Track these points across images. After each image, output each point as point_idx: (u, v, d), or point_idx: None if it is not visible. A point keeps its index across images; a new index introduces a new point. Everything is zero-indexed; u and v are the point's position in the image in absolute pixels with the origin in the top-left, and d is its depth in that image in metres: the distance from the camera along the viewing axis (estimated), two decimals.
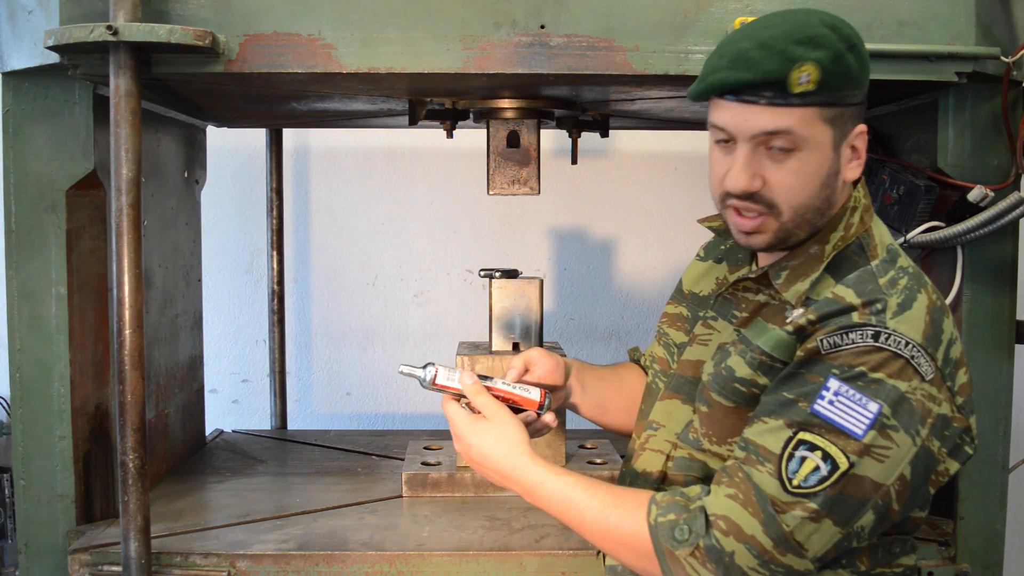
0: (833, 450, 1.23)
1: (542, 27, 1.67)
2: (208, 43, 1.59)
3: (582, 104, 2.20)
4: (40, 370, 1.85)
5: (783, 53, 1.25)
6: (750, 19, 1.52)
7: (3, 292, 1.88)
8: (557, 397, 1.66)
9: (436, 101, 2.15)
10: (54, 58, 1.67)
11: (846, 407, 1.23)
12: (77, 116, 1.81)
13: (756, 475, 1.26)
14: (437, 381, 1.55)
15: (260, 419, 3.24)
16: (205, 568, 1.75)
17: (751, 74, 1.26)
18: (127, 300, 1.60)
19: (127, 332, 1.61)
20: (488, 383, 1.55)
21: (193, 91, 1.98)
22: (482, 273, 2.27)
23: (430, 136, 2.78)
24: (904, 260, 1.37)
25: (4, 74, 1.83)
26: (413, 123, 2.14)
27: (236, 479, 2.29)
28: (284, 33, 1.65)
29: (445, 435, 1.56)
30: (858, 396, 1.23)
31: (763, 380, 1.34)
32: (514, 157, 2.15)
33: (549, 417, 1.58)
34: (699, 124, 2.61)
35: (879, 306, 1.27)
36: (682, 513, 1.28)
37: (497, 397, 1.54)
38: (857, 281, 1.31)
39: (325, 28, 1.66)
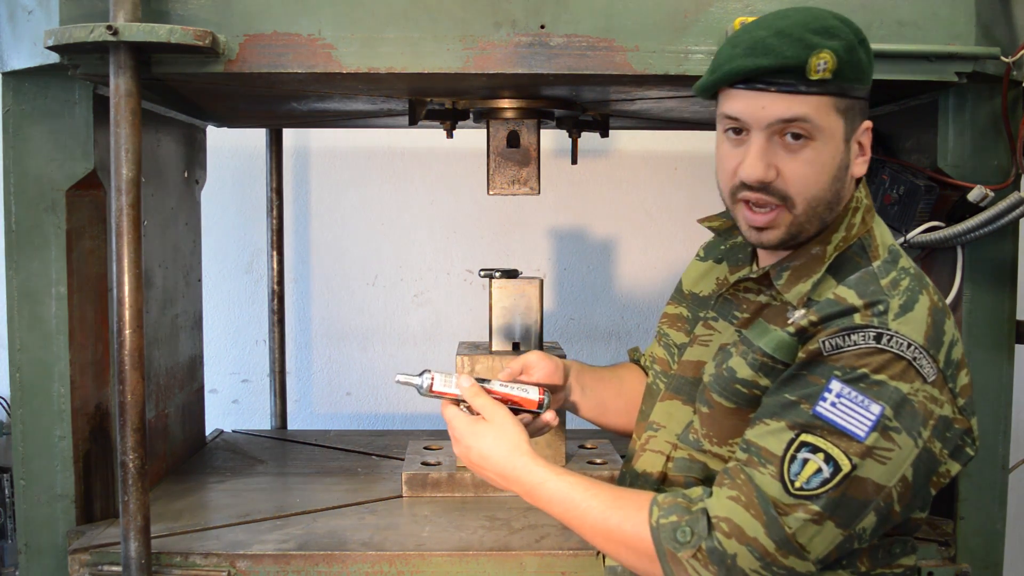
0: (835, 452, 1.23)
1: (542, 27, 1.67)
2: (208, 43, 1.59)
3: (582, 104, 2.20)
4: (40, 370, 1.85)
5: (801, 40, 1.26)
6: (750, 19, 1.52)
7: (3, 292, 1.88)
8: (556, 399, 1.66)
9: (436, 101, 2.15)
10: (54, 58, 1.67)
11: (848, 409, 1.23)
12: (77, 116, 1.81)
13: (758, 477, 1.26)
14: (434, 388, 1.55)
15: (260, 419, 3.24)
16: (205, 568, 1.74)
17: (769, 60, 1.26)
18: (127, 300, 1.60)
19: (127, 332, 1.61)
20: (486, 385, 1.55)
21: (193, 91, 1.98)
22: (482, 273, 2.27)
23: (430, 136, 2.78)
24: (905, 261, 1.37)
25: (4, 74, 1.83)
26: (413, 123, 2.14)
27: (236, 479, 2.29)
28: (284, 33, 1.65)
29: (445, 435, 1.56)
30: (860, 398, 1.23)
31: (764, 381, 1.34)
32: (514, 157, 2.14)
33: (549, 415, 1.58)
34: (699, 124, 2.62)
35: (881, 307, 1.27)
36: (684, 515, 1.28)
37: (495, 398, 1.54)
38: (859, 282, 1.31)
39: (325, 28, 1.66)
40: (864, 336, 1.25)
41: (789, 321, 1.33)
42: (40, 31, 1.66)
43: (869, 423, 1.23)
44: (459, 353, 2.21)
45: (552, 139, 3.12)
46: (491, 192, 2.16)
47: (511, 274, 2.25)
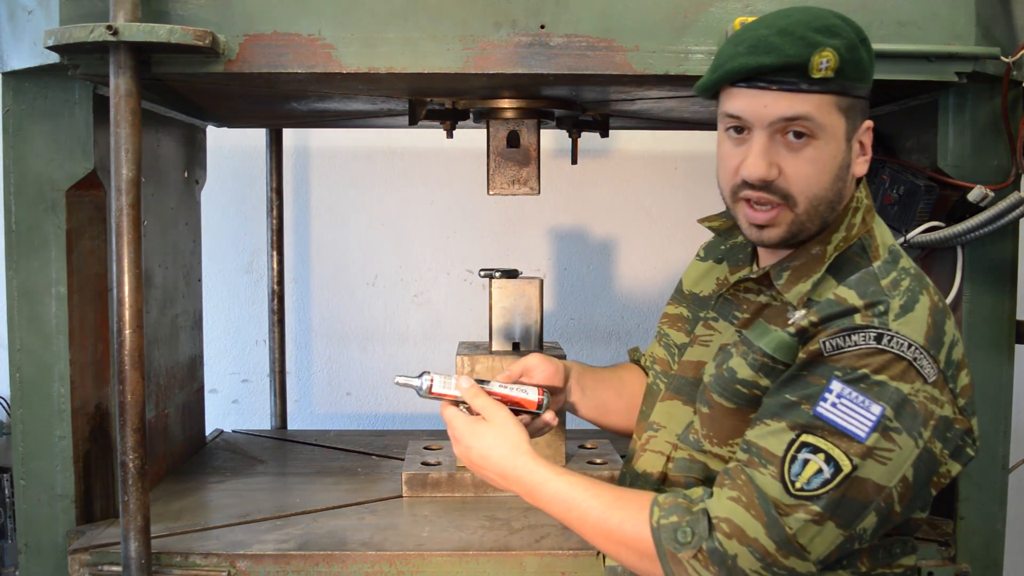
0: (836, 452, 1.23)
1: (542, 27, 1.67)
2: (208, 43, 1.59)
3: (582, 104, 2.20)
4: (40, 370, 1.85)
5: (804, 39, 1.26)
6: (750, 19, 1.53)
7: (3, 292, 1.88)
8: (556, 400, 1.66)
9: (436, 101, 2.15)
10: (54, 58, 1.67)
11: (849, 409, 1.23)
12: (77, 116, 1.81)
13: (759, 478, 1.25)
14: (434, 390, 1.54)
15: (260, 419, 3.24)
16: (205, 568, 1.74)
17: (772, 58, 1.26)
18: (127, 300, 1.60)
19: (127, 332, 1.61)
20: (485, 386, 1.55)
21: (193, 91, 1.98)
22: (482, 273, 2.27)
23: (430, 136, 2.78)
24: (906, 261, 1.36)
25: (4, 74, 1.83)
26: (413, 123, 2.14)
27: (236, 479, 2.29)
28: (284, 33, 1.65)
29: (445, 435, 1.56)
30: (861, 398, 1.23)
31: (765, 382, 1.34)
32: (514, 157, 2.14)
33: (548, 415, 1.58)
34: (699, 124, 2.62)
35: (881, 308, 1.27)
36: (685, 515, 1.28)
37: (494, 399, 1.54)
38: (859, 282, 1.31)
39: (325, 28, 1.66)
40: (865, 336, 1.25)
41: (789, 321, 1.33)
42: (40, 31, 1.66)
43: (870, 424, 1.23)
44: (459, 353, 2.21)
45: (552, 139, 3.12)
46: (491, 192, 2.15)
47: (511, 274, 2.25)
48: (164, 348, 2.27)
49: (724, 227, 1.60)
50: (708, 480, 1.40)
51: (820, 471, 1.23)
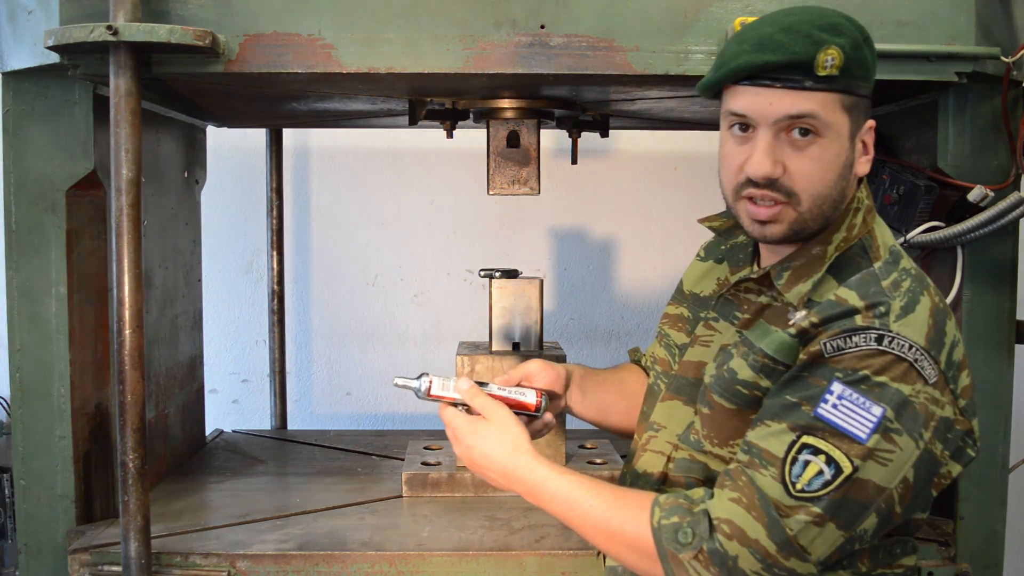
0: (837, 454, 1.22)
1: (542, 27, 1.67)
2: (208, 43, 1.59)
3: (582, 104, 2.20)
4: (40, 370, 1.85)
5: (809, 36, 1.26)
6: (750, 19, 1.53)
7: (3, 292, 1.88)
8: (556, 405, 1.65)
9: (436, 101, 2.15)
10: (54, 58, 1.67)
11: (850, 411, 1.23)
12: (77, 116, 1.81)
13: (759, 479, 1.25)
14: (432, 392, 1.54)
15: (260, 419, 3.24)
16: (205, 568, 1.75)
17: (777, 56, 1.26)
18: (127, 300, 1.60)
19: (127, 332, 1.61)
20: (483, 389, 1.55)
21: (193, 91, 1.98)
22: (482, 273, 2.27)
23: (430, 136, 2.78)
24: (907, 262, 1.36)
25: (4, 74, 1.83)
26: (413, 123, 2.14)
27: (236, 479, 2.29)
28: (284, 33, 1.65)
29: (445, 435, 1.55)
30: (862, 400, 1.23)
31: (765, 383, 1.34)
32: (514, 157, 2.14)
33: (547, 417, 1.58)
34: (699, 124, 2.62)
35: (882, 309, 1.27)
36: (685, 516, 1.28)
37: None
38: (860, 283, 1.31)
39: (325, 28, 1.66)
40: (865, 338, 1.25)
41: (790, 322, 1.33)
42: (40, 31, 1.66)
43: (870, 425, 1.22)
44: (459, 353, 2.21)
45: (552, 139, 3.12)
46: (491, 192, 2.15)
47: (511, 274, 2.25)
48: (164, 348, 2.27)
49: (724, 227, 1.60)
50: (708, 480, 1.40)
51: (821, 472, 1.23)
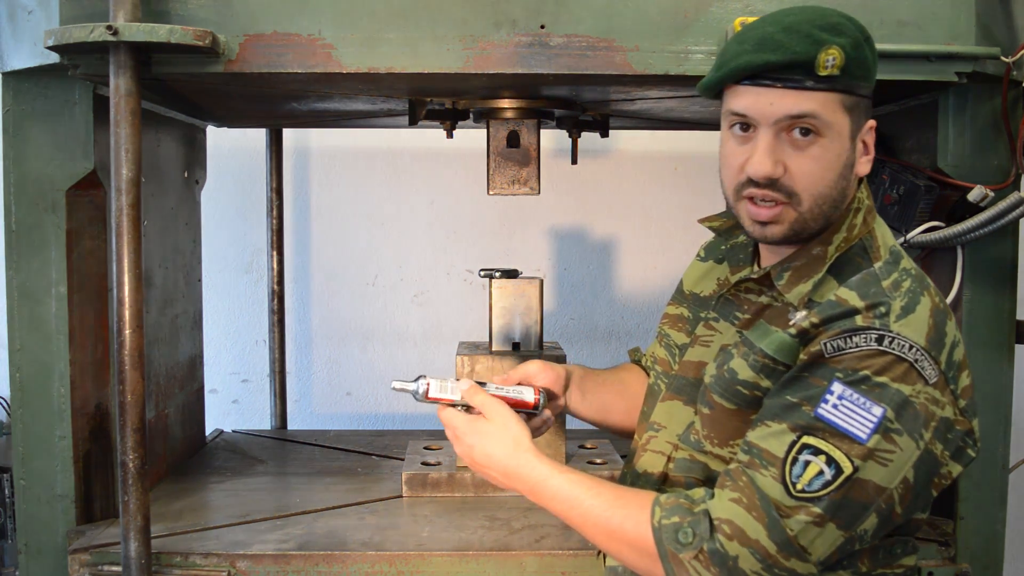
0: (837, 454, 1.22)
1: (542, 27, 1.67)
2: (208, 43, 1.59)
3: (582, 104, 2.20)
4: (40, 370, 1.85)
5: (810, 36, 1.26)
6: (750, 19, 1.53)
7: (3, 292, 1.88)
8: (556, 406, 1.65)
9: (436, 101, 2.15)
10: (54, 58, 1.67)
11: (850, 411, 1.23)
12: (77, 116, 1.81)
13: (760, 479, 1.25)
14: (431, 394, 1.54)
15: (260, 419, 3.24)
16: (205, 568, 1.75)
17: (778, 56, 1.26)
18: (127, 300, 1.60)
19: (127, 332, 1.61)
20: (481, 388, 1.55)
21: (193, 91, 1.98)
22: (482, 273, 2.27)
23: (430, 136, 2.78)
24: (907, 262, 1.36)
25: (4, 74, 1.83)
26: (413, 123, 2.14)
27: (236, 479, 2.29)
28: (284, 33, 1.65)
29: (445, 435, 1.56)
30: (862, 400, 1.23)
31: (766, 383, 1.34)
32: (514, 157, 2.14)
33: (547, 413, 1.59)
34: (699, 124, 2.62)
35: (883, 309, 1.27)
36: (686, 516, 1.28)
37: None
38: (860, 283, 1.31)
39: (325, 28, 1.66)
40: (866, 338, 1.25)
41: (791, 322, 1.33)
42: (40, 31, 1.66)
43: (871, 425, 1.22)
44: (459, 353, 2.21)
45: (552, 139, 3.12)
46: (491, 192, 2.15)
47: (511, 274, 2.25)
48: (164, 348, 2.27)
49: (725, 227, 1.60)
50: (709, 480, 1.40)
51: (821, 473, 1.23)
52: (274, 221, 2.90)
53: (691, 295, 1.62)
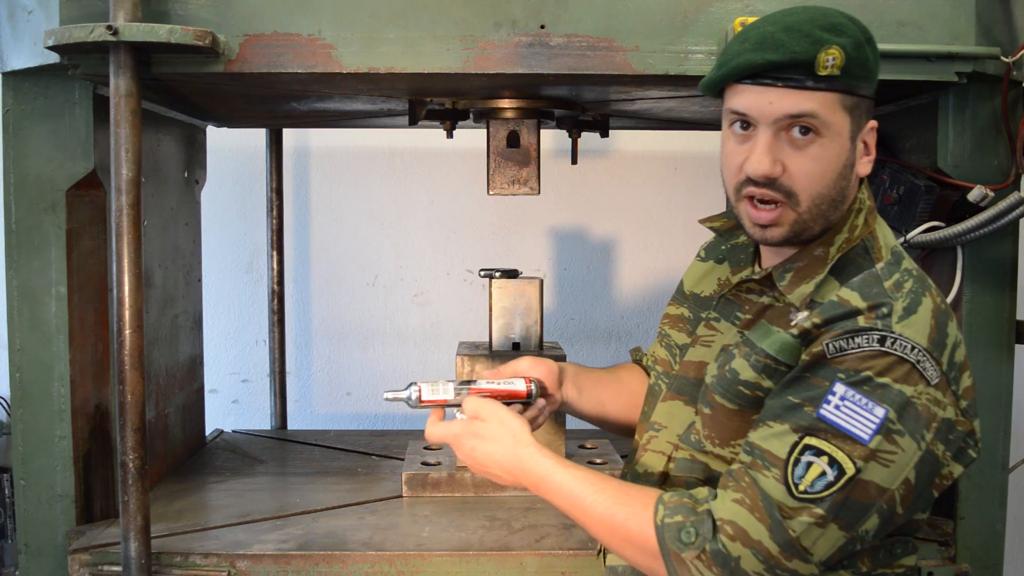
0: (840, 455, 1.22)
1: (542, 27, 1.67)
2: (208, 43, 1.59)
3: (582, 104, 2.20)
4: (40, 370, 1.85)
5: (810, 36, 1.26)
6: (751, 19, 1.53)
7: (3, 292, 1.88)
8: (551, 402, 1.66)
9: (436, 101, 2.15)
10: (54, 58, 1.67)
11: (852, 412, 1.23)
12: (77, 116, 1.81)
13: (762, 480, 1.25)
14: (423, 398, 1.55)
15: (260, 419, 3.24)
16: (205, 568, 1.74)
17: (778, 55, 1.26)
18: (127, 300, 1.60)
19: (127, 332, 1.61)
20: (472, 385, 1.56)
21: (193, 91, 1.98)
22: (482, 273, 2.27)
23: (430, 136, 2.78)
24: (908, 262, 1.36)
25: (4, 74, 1.83)
26: (413, 123, 2.14)
27: (236, 479, 2.29)
28: (284, 33, 1.65)
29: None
30: (864, 401, 1.23)
31: (767, 383, 1.34)
32: (514, 157, 2.14)
33: (541, 403, 1.59)
34: (699, 124, 2.62)
35: (885, 310, 1.27)
36: (689, 516, 1.28)
37: (483, 396, 1.56)
38: (862, 284, 1.31)
39: (325, 28, 1.66)
40: (868, 339, 1.25)
41: (792, 323, 1.33)
42: (40, 31, 1.66)
43: (873, 426, 1.22)
44: (459, 353, 2.21)
45: (552, 139, 3.12)
46: (491, 192, 2.16)
47: (511, 274, 2.25)
48: (164, 348, 2.27)
49: (725, 227, 1.60)
50: (709, 480, 1.40)
51: (823, 474, 1.23)
52: (274, 221, 2.90)
53: (692, 295, 1.62)
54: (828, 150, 1.31)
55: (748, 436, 1.31)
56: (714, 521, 1.26)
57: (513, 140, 2.14)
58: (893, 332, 1.25)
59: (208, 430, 2.70)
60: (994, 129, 1.81)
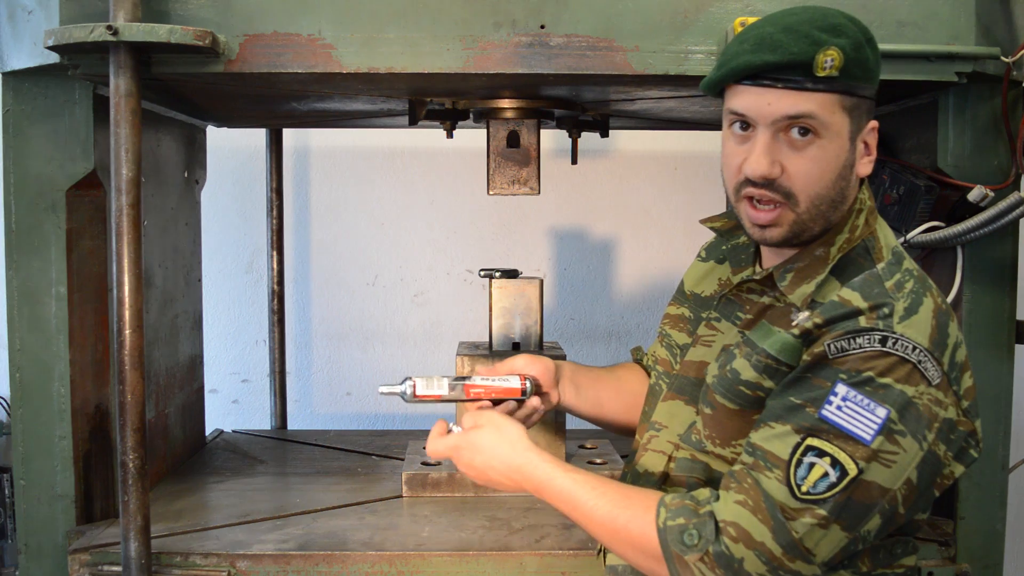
0: (842, 456, 1.22)
1: (542, 27, 1.67)
2: (208, 43, 1.59)
3: (582, 104, 2.20)
4: (40, 370, 1.85)
5: (809, 36, 1.26)
6: (751, 19, 1.53)
7: (3, 292, 1.88)
8: (548, 400, 1.66)
9: (436, 101, 2.15)
10: (54, 58, 1.67)
11: (854, 412, 1.23)
12: (77, 116, 1.81)
13: (765, 481, 1.25)
14: (418, 393, 1.56)
15: (260, 419, 3.24)
16: (205, 568, 1.74)
17: (776, 56, 1.26)
18: (127, 300, 1.60)
19: (127, 332, 1.61)
20: (467, 381, 1.58)
21: (193, 91, 1.98)
22: (482, 273, 2.27)
23: (430, 136, 2.78)
24: (909, 263, 1.36)
25: (4, 74, 1.83)
26: (413, 123, 2.14)
27: (236, 479, 2.29)
28: (284, 33, 1.65)
29: None
30: (866, 401, 1.23)
31: (769, 383, 1.34)
32: (514, 157, 2.14)
33: (535, 401, 1.60)
34: (699, 124, 2.62)
35: (886, 310, 1.27)
36: (691, 518, 1.28)
37: (477, 392, 1.58)
38: (863, 284, 1.31)
39: (325, 28, 1.66)
40: (869, 339, 1.25)
41: (793, 323, 1.33)
42: (40, 31, 1.66)
43: (875, 426, 1.22)
44: (459, 353, 2.21)
45: (552, 139, 3.12)
46: (491, 192, 2.16)
47: (511, 274, 2.25)
48: (164, 348, 2.27)
49: (726, 227, 1.60)
50: (710, 480, 1.40)
51: (826, 475, 1.23)
52: (274, 221, 2.90)
53: (692, 295, 1.62)
54: (827, 151, 1.31)
55: (750, 437, 1.31)
56: (716, 523, 1.26)
57: (513, 140, 2.14)
58: (894, 332, 1.25)
59: (208, 430, 2.70)
60: (994, 129, 1.81)
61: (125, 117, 1.56)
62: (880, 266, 1.34)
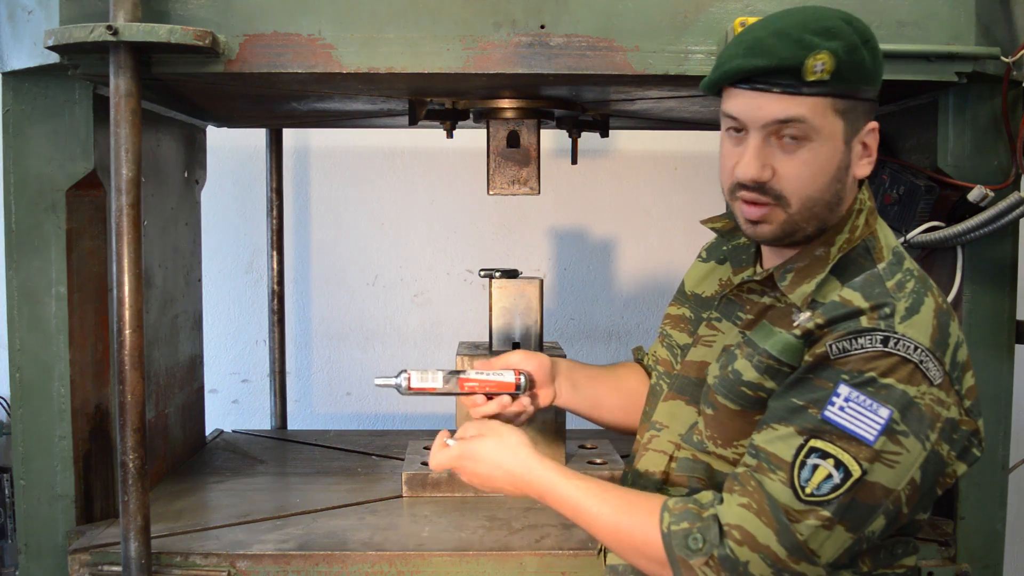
0: (845, 457, 1.22)
1: (542, 27, 1.67)
2: (208, 43, 1.59)
3: (582, 104, 2.20)
4: (40, 370, 1.85)
5: (799, 41, 1.25)
6: (751, 19, 1.53)
7: (3, 292, 1.88)
8: (544, 396, 1.66)
9: (436, 101, 2.15)
10: (54, 58, 1.67)
11: (857, 413, 1.23)
12: (77, 116, 1.81)
13: (768, 484, 1.25)
14: (412, 385, 1.57)
15: (260, 419, 3.24)
16: (205, 568, 1.74)
17: (766, 60, 1.26)
18: (127, 300, 1.60)
19: (127, 332, 1.60)
20: (461, 375, 1.60)
21: (193, 91, 1.98)
22: (482, 273, 2.27)
23: (430, 136, 2.78)
24: (910, 263, 1.36)
25: (4, 74, 1.83)
26: (413, 123, 2.14)
27: (236, 479, 2.29)
28: (284, 33, 1.65)
29: None
30: (868, 402, 1.23)
31: (770, 384, 1.34)
32: (514, 157, 2.14)
33: (524, 400, 1.60)
34: (699, 124, 2.62)
35: (887, 310, 1.26)
36: (695, 522, 1.28)
37: (471, 386, 1.60)
38: (864, 284, 1.31)
39: (325, 28, 1.66)
40: (871, 339, 1.25)
41: (795, 323, 1.33)
42: (40, 31, 1.66)
43: (878, 427, 1.22)
44: (459, 353, 2.21)
45: (552, 139, 3.12)
46: (491, 192, 2.15)
47: (511, 274, 2.25)
48: (164, 348, 2.27)
49: (727, 228, 1.60)
50: (711, 480, 1.40)
51: (830, 476, 1.23)
52: (274, 221, 2.90)
53: (693, 296, 1.62)
54: (819, 154, 1.30)
55: (752, 439, 1.31)
56: (721, 526, 1.26)
57: (513, 140, 2.13)
58: (896, 333, 1.25)
59: (208, 430, 2.70)
60: (994, 129, 1.81)
61: (125, 117, 1.56)
62: (881, 266, 1.34)
